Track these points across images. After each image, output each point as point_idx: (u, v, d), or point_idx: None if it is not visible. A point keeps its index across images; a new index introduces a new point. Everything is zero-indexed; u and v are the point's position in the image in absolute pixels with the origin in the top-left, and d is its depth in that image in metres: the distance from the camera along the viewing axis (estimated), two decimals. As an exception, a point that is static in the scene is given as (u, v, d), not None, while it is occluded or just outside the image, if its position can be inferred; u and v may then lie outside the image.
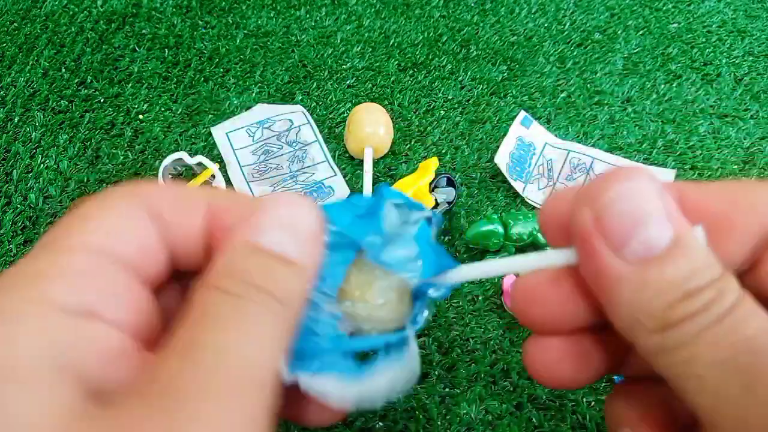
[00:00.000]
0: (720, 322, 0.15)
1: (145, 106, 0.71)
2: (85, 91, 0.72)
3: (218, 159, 0.65)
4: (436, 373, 0.50)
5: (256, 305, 0.17)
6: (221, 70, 0.75)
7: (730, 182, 0.18)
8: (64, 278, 0.16)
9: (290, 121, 0.69)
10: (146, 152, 0.66)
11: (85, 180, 0.64)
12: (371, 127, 0.63)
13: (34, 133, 0.68)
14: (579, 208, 0.17)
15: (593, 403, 0.48)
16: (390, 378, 0.20)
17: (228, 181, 0.63)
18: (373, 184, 0.62)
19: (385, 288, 0.21)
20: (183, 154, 0.60)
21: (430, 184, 0.59)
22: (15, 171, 0.64)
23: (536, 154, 0.66)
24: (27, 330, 0.15)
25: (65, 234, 0.18)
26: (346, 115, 0.70)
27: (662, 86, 0.75)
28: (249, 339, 0.17)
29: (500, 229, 0.55)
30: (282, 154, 0.66)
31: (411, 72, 0.76)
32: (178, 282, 0.22)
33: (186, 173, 0.63)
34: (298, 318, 0.19)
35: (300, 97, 0.72)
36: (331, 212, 0.21)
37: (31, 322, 0.15)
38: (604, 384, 0.50)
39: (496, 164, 0.63)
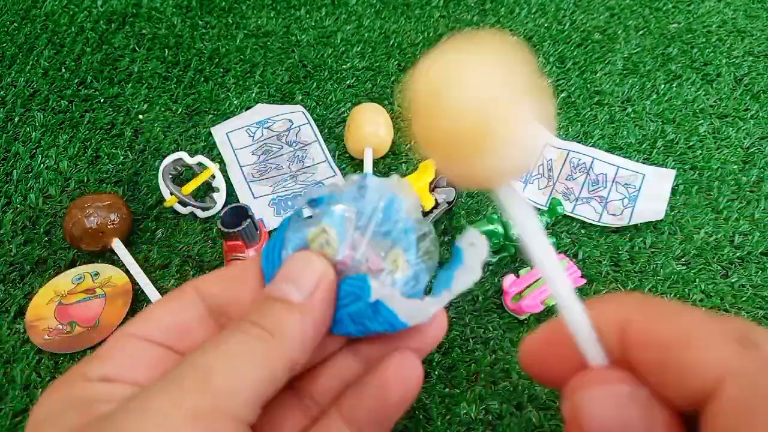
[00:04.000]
0: None
1: (145, 106, 0.71)
2: (85, 91, 0.72)
3: (218, 159, 0.65)
4: (436, 373, 0.50)
5: (248, 336, 0.21)
6: (221, 70, 0.75)
7: (675, 323, 0.17)
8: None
9: (290, 121, 0.69)
10: (146, 152, 0.66)
11: (85, 180, 0.64)
12: (371, 127, 0.63)
13: (34, 133, 0.68)
14: (563, 403, 0.18)
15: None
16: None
17: (228, 181, 0.63)
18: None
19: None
20: (183, 154, 0.60)
21: (430, 184, 0.59)
22: (15, 171, 0.64)
23: (536, 154, 0.66)
24: None
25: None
26: (346, 115, 0.70)
27: (662, 86, 0.75)
28: (230, 362, 0.20)
29: (500, 229, 0.55)
30: (282, 154, 0.66)
31: (411, 72, 0.75)
32: None
33: (186, 173, 0.63)
34: (297, 351, 0.21)
35: (300, 97, 0.72)
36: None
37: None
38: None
39: (496, 164, 0.63)
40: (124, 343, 0.22)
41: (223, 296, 0.24)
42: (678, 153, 0.67)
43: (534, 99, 0.16)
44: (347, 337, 0.25)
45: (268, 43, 0.78)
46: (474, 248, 0.24)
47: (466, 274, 0.24)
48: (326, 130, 0.69)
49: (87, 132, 0.68)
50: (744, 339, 0.15)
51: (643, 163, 0.66)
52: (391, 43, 0.79)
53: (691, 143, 0.68)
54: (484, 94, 0.15)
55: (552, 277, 0.19)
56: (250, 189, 0.63)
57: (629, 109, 0.72)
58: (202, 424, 0.18)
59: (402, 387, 0.23)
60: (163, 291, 0.55)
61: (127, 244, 0.57)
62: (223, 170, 0.64)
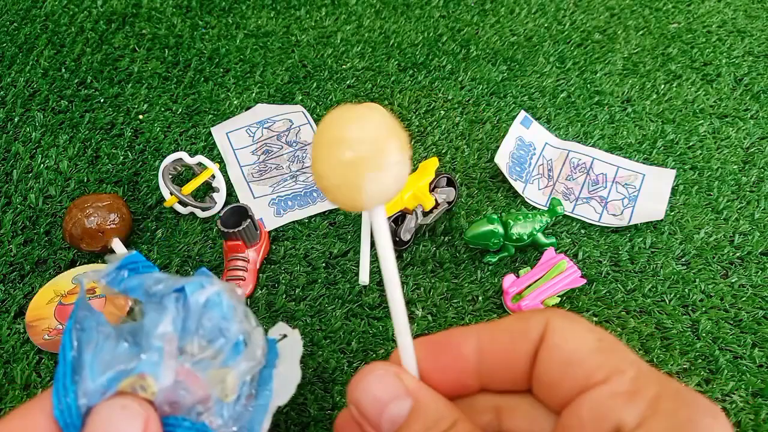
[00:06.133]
0: None
1: (145, 106, 0.71)
2: (85, 91, 0.72)
3: (218, 159, 0.65)
4: (436, 373, 0.50)
5: None
6: (221, 70, 0.75)
7: (508, 317, 0.22)
8: None
9: (290, 121, 0.69)
10: (146, 152, 0.66)
11: (85, 180, 0.64)
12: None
13: (34, 133, 0.68)
14: (348, 405, 0.22)
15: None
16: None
17: (228, 181, 0.63)
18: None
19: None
20: (183, 154, 0.60)
21: (430, 184, 0.59)
22: (15, 171, 0.64)
23: (536, 154, 0.66)
24: None
25: None
26: (346, 115, 0.70)
27: (662, 86, 0.75)
28: None
29: (500, 229, 0.55)
30: (282, 154, 0.66)
31: (411, 72, 0.75)
32: None
33: (186, 173, 0.63)
34: None
35: (300, 97, 0.72)
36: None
37: None
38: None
39: (496, 164, 0.63)
40: None
41: None
42: (678, 153, 0.67)
43: (399, 142, 0.20)
44: None
45: (268, 43, 0.78)
46: (287, 340, 0.25)
47: (287, 381, 0.25)
48: (326, 130, 0.69)
49: (87, 132, 0.68)
50: (550, 308, 0.22)
51: (643, 163, 0.66)
52: (391, 43, 0.79)
53: (691, 143, 0.68)
54: (365, 135, 0.20)
55: (390, 289, 0.22)
56: (250, 189, 0.63)
57: (629, 109, 0.72)
58: None
59: None
60: (163, 291, 0.55)
61: (127, 244, 0.57)
62: (223, 170, 0.64)
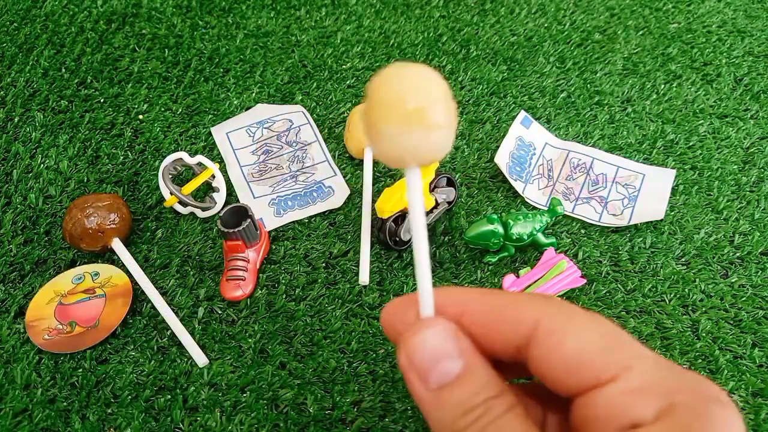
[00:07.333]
0: (484, 430, 0.20)
1: (145, 106, 0.71)
2: (85, 91, 0.72)
3: (218, 159, 0.65)
4: (436, 373, 0.50)
5: None
6: (221, 70, 0.75)
7: (502, 295, 0.23)
8: None
9: (290, 121, 0.69)
10: (146, 152, 0.66)
11: (85, 180, 0.64)
12: (371, 127, 0.62)
13: (34, 133, 0.68)
14: (398, 352, 0.22)
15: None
16: None
17: (228, 181, 0.63)
18: (373, 184, 0.62)
19: None
20: (183, 154, 0.60)
21: (430, 184, 0.59)
22: (15, 171, 0.64)
23: (536, 154, 0.66)
24: None
25: None
26: (346, 115, 0.70)
27: (662, 86, 0.75)
28: None
29: (500, 229, 0.55)
30: (282, 154, 0.66)
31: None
32: None
33: (186, 173, 0.63)
34: None
35: (300, 97, 0.72)
36: None
37: None
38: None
39: (496, 164, 0.63)
40: None
41: None
42: (678, 153, 0.67)
43: (450, 105, 0.21)
44: None
45: (268, 43, 0.78)
46: None
47: None
48: (326, 130, 0.69)
49: (87, 132, 0.68)
50: (545, 297, 0.21)
51: (643, 163, 0.66)
52: (391, 43, 0.79)
53: (691, 143, 0.68)
54: (421, 90, 0.20)
55: (418, 246, 0.23)
56: (250, 189, 0.63)
57: (629, 109, 0.72)
58: None
59: None
60: (163, 291, 0.55)
61: (127, 244, 0.57)
62: (223, 170, 0.64)
